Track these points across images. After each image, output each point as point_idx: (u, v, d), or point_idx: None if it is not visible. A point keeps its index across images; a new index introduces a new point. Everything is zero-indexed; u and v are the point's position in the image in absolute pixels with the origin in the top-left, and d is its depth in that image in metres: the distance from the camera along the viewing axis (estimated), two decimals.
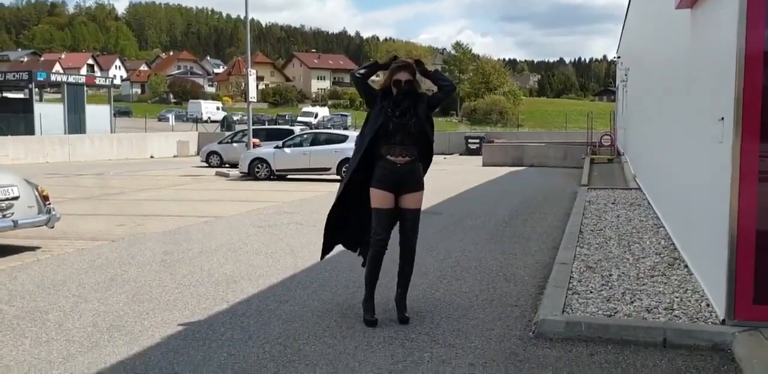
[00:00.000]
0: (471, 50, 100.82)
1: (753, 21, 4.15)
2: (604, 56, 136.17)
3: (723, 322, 4.30)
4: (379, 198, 4.67)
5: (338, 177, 18.21)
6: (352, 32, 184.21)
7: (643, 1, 13.15)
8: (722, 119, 4.52)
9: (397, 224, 4.85)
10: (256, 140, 22.37)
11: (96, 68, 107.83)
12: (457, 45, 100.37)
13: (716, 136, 4.66)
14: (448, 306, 5.22)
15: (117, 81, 77.14)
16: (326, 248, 5.25)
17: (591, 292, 5.18)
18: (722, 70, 4.52)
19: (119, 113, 56.26)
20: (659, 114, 9.56)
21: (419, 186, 4.78)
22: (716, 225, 4.55)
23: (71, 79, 40.48)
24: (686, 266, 6.01)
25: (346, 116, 64.15)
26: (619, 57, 24.79)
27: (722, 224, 4.35)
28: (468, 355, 4.10)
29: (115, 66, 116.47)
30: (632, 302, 4.89)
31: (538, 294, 5.46)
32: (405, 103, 4.67)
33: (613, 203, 10.90)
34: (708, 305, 4.77)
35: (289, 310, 5.10)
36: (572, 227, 8.28)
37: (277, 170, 18.58)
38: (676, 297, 5.00)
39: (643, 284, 5.42)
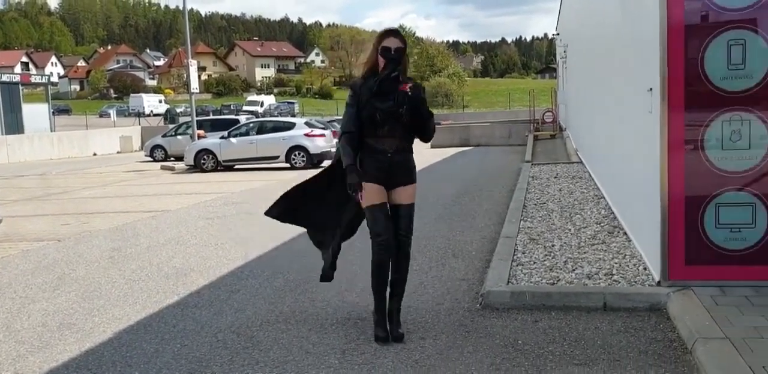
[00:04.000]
0: (414, 34, 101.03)
1: None
2: (545, 34, 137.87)
3: (658, 284, 4.51)
4: (371, 193, 4.02)
5: (287, 165, 18.18)
6: (294, 19, 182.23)
7: None
8: (650, 89, 4.69)
9: None
10: (201, 132, 22.04)
11: (31, 66, 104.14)
12: (401, 28, 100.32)
13: (646, 106, 4.83)
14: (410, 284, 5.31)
15: (54, 78, 74.90)
16: (277, 214, 4.71)
17: (534, 263, 5.35)
18: (649, 43, 4.68)
19: (58, 111, 54.62)
20: (595, 88, 9.81)
21: (413, 178, 4.16)
22: (650, 192, 4.74)
23: (5, 78, 39.03)
24: (625, 233, 6.25)
25: (293, 103, 63.64)
26: (558, 34, 25.19)
27: (655, 191, 4.53)
28: (419, 330, 4.21)
29: (51, 63, 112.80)
30: (574, 270, 5.07)
31: (484, 268, 5.61)
32: (393, 85, 3.95)
33: (555, 177, 11.18)
34: (645, 268, 4.98)
35: (240, 299, 5.13)
36: (516, 202, 8.48)
37: (224, 161, 18.40)
38: (616, 263, 5.21)
39: (584, 252, 5.62)
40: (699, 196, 4.38)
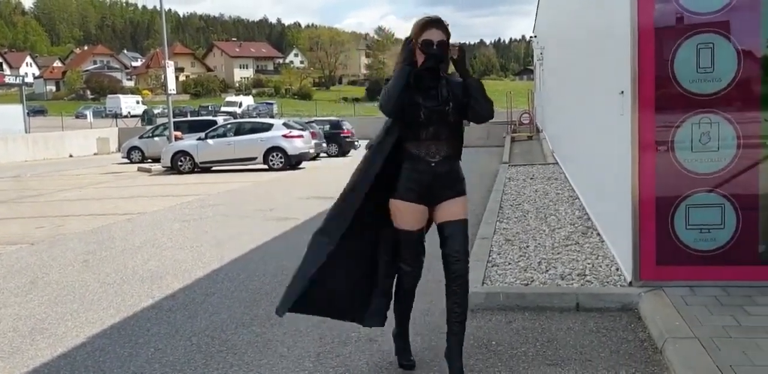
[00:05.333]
0: (394, 35, 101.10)
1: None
2: (523, 36, 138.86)
3: (630, 284, 4.57)
4: (407, 214, 3.38)
5: (265, 166, 18.11)
6: (273, 19, 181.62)
7: None
8: (622, 92, 4.75)
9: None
10: (178, 133, 21.90)
11: (5, 66, 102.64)
12: (380, 30, 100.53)
13: (618, 109, 4.90)
14: None
15: (29, 79, 73.74)
16: (293, 306, 3.56)
17: (509, 263, 5.39)
18: (620, 46, 4.74)
19: (33, 112, 53.83)
20: (571, 90, 9.91)
21: (462, 190, 3.47)
22: (622, 193, 4.80)
23: None
24: (598, 234, 6.32)
25: (272, 104, 63.41)
26: (535, 36, 25.38)
27: (626, 192, 4.59)
28: None
29: (26, 63, 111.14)
30: (547, 270, 5.12)
31: None
32: (435, 81, 3.37)
33: (531, 179, 11.28)
34: (617, 269, 5.05)
35: (216, 302, 5.10)
36: (493, 203, 8.54)
37: (201, 163, 18.31)
38: (589, 264, 5.27)
39: (558, 253, 5.68)
40: (669, 197, 4.44)
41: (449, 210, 3.40)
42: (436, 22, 3.35)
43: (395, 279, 3.59)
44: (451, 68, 3.43)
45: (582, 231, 6.53)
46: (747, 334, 3.50)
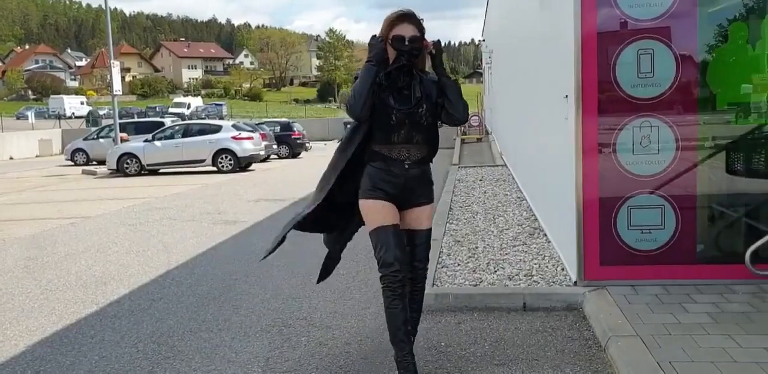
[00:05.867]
0: (345, 37, 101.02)
1: (587, 6, 4.47)
2: (472, 39, 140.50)
3: (575, 284, 4.67)
4: (380, 212, 3.22)
5: (214, 169, 17.90)
6: (222, 20, 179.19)
7: None
8: (566, 96, 4.86)
9: None
10: (124, 135, 21.45)
11: None
12: (331, 32, 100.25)
13: (563, 113, 5.00)
14: (326, 290, 5.31)
15: None
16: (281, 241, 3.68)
17: (458, 265, 5.45)
18: (565, 51, 4.84)
19: None
20: (518, 93, 10.07)
21: (432, 196, 3.40)
22: (567, 195, 4.90)
23: None
24: (545, 234, 6.44)
25: (221, 105, 62.58)
26: (483, 40, 25.70)
27: (571, 194, 4.69)
28: (344, 335, 4.22)
29: None
30: (496, 271, 5.19)
31: None
32: (408, 79, 3.20)
33: (480, 180, 11.42)
34: (563, 269, 5.15)
35: (162, 308, 5.01)
36: (442, 205, 8.61)
37: (147, 165, 17.97)
38: (535, 264, 5.36)
39: (506, 253, 5.77)
40: (612, 199, 4.56)
41: (418, 218, 3.35)
42: (407, 16, 3.13)
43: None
44: (428, 65, 3.30)
45: (529, 232, 6.64)
46: (685, 331, 3.61)
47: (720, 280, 4.41)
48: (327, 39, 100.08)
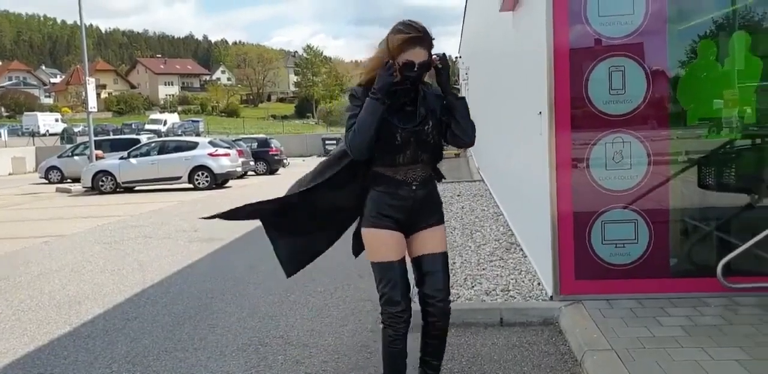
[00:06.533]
0: (322, 53, 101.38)
1: (559, 24, 4.54)
2: (450, 55, 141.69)
3: (551, 298, 4.69)
4: (386, 244, 2.95)
5: (190, 186, 17.78)
6: (199, 36, 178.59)
7: (476, 3, 13.89)
8: (540, 113, 4.92)
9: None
10: (99, 152, 21.25)
11: None
12: (309, 48, 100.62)
13: (537, 129, 5.06)
14: (303, 307, 5.29)
15: None
16: (229, 214, 3.37)
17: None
18: (539, 68, 4.91)
19: None
20: (494, 109, 10.16)
21: (441, 217, 3.11)
22: (542, 210, 4.94)
23: None
24: (521, 249, 6.48)
25: (198, 121, 62.27)
26: (460, 57, 25.94)
27: (546, 209, 4.73)
28: (321, 353, 4.20)
29: None
30: (473, 286, 5.20)
31: None
32: (411, 95, 2.94)
33: (458, 195, 11.47)
34: (539, 283, 5.18)
35: (137, 327, 4.95)
36: None
37: (123, 183, 17.83)
38: (512, 279, 5.39)
39: (483, 269, 5.79)
40: (586, 213, 4.61)
41: (428, 242, 3.00)
42: (421, 41, 2.82)
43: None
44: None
45: (506, 247, 6.68)
46: (659, 344, 3.64)
47: (693, 293, 4.46)
48: (305, 55, 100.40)
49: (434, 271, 2.99)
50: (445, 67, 2.91)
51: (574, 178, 4.61)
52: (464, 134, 2.97)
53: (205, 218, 3.40)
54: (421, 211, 2.99)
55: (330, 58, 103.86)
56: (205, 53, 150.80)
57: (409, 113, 2.92)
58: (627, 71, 4.56)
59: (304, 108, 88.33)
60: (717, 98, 4.79)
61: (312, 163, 27.47)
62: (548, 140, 4.61)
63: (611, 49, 4.56)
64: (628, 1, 4.49)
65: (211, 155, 17.93)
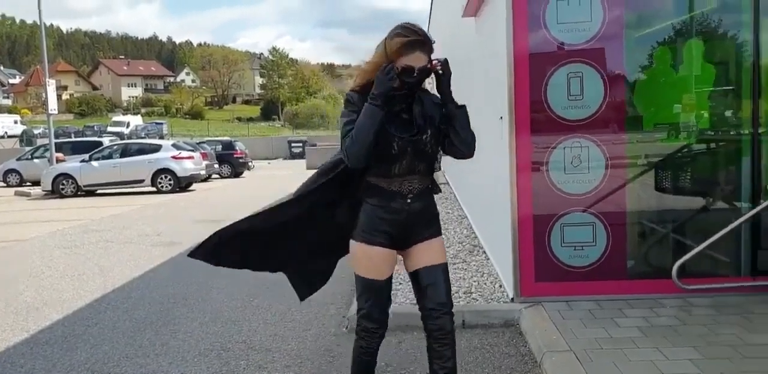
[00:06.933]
0: (288, 55, 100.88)
1: (519, 30, 4.62)
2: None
3: (512, 300, 4.76)
4: (374, 261, 2.81)
5: (153, 189, 17.57)
6: (163, 37, 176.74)
7: (440, 8, 13.99)
8: (501, 117, 4.99)
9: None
10: (60, 155, 20.86)
11: None
12: (274, 50, 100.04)
13: (499, 133, 5.13)
14: (266, 312, 5.28)
15: None
16: (208, 252, 3.12)
17: (400, 283, 5.48)
18: (500, 73, 4.98)
19: None
20: None
21: (439, 229, 2.95)
22: (503, 213, 5.01)
23: None
24: (484, 252, 6.55)
25: (162, 124, 61.53)
26: None
27: (506, 212, 4.80)
28: (284, 358, 4.19)
29: None
30: None
31: (353, 291, 5.67)
32: (408, 101, 2.79)
33: None
34: (501, 286, 5.25)
35: (97, 333, 4.88)
36: None
37: (84, 186, 17.54)
38: (475, 281, 5.45)
39: None
40: (546, 216, 4.69)
41: (426, 254, 2.85)
42: (422, 44, 2.68)
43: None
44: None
45: (469, 250, 6.74)
46: (616, 345, 3.72)
47: (650, 295, 4.56)
48: (270, 57, 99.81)
49: (435, 283, 2.83)
50: (446, 74, 2.75)
51: (534, 182, 4.69)
52: (463, 145, 2.81)
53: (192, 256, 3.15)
54: (416, 224, 2.83)
55: (296, 61, 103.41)
56: (170, 55, 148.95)
57: (405, 121, 2.76)
58: (585, 77, 4.65)
59: (269, 110, 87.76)
60: (673, 104, 4.92)
61: (278, 166, 27.28)
62: (509, 144, 4.68)
63: (570, 55, 4.65)
64: (585, 8, 4.58)
65: (174, 157, 17.74)
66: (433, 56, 2.75)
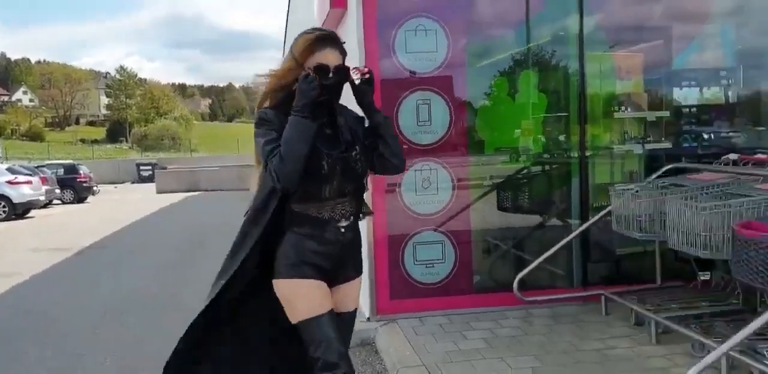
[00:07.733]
0: (137, 75, 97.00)
1: (370, 56, 4.76)
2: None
3: (368, 319, 4.87)
4: (309, 296, 2.39)
5: None
6: None
7: (295, 31, 14.15)
8: None
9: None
10: None
11: None
12: (122, 69, 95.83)
13: None
14: (114, 343, 5.03)
15: None
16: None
17: None
18: (353, 97, 5.12)
19: None
20: None
21: (360, 266, 2.64)
22: (361, 233, 5.12)
23: None
24: None
25: None
26: None
27: (363, 231, 4.91)
28: None
29: None
30: None
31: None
32: (330, 114, 2.48)
33: None
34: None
35: None
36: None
37: None
38: None
39: None
40: (399, 236, 4.86)
41: (346, 298, 2.55)
42: (331, 40, 2.43)
43: None
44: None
45: None
46: (465, 357, 3.92)
47: (495, 307, 4.84)
48: (117, 76, 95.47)
49: (341, 329, 2.46)
50: (370, 82, 2.51)
51: (388, 202, 4.86)
52: (395, 157, 2.54)
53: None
54: (347, 259, 2.53)
55: (145, 80, 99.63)
56: (4, 72, 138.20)
57: (330, 137, 2.45)
58: (432, 104, 4.91)
59: (116, 132, 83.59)
60: (513, 129, 5.33)
61: (125, 189, 26.05)
62: None
63: (419, 82, 4.89)
64: (431, 39, 4.84)
65: (9, 182, 16.43)
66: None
